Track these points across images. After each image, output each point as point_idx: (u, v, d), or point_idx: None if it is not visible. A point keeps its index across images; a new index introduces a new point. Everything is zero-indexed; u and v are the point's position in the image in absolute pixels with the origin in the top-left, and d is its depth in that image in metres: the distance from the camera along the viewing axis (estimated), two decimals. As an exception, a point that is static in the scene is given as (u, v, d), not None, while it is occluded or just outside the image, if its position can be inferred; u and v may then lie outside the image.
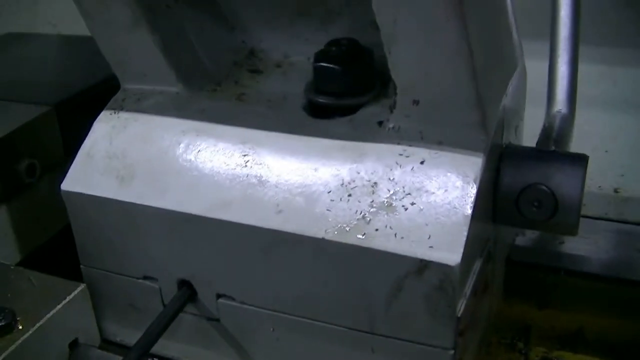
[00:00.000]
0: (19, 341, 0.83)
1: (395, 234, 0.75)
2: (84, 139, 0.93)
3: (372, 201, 0.77)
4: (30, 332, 0.84)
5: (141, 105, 0.93)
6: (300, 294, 0.82)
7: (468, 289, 0.79)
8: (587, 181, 0.83)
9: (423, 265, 0.74)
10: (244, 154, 0.84)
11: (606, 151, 1.34)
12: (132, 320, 0.94)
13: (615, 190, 1.32)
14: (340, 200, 0.78)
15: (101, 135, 0.91)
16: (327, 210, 0.78)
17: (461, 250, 0.73)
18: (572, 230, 0.86)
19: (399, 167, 0.78)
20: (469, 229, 0.74)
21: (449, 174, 0.77)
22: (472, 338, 0.88)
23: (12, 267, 0.97)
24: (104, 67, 1.05)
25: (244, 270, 0.84)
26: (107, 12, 0.88)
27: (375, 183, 0.78)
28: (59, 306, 0.88)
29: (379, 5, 0.71)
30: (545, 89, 1.02)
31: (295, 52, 0.98)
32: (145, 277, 0.91)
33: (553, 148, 0.89)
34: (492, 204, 0.86)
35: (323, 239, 0.77)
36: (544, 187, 0.84)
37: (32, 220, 1.10)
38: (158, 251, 0.88)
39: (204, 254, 0.85)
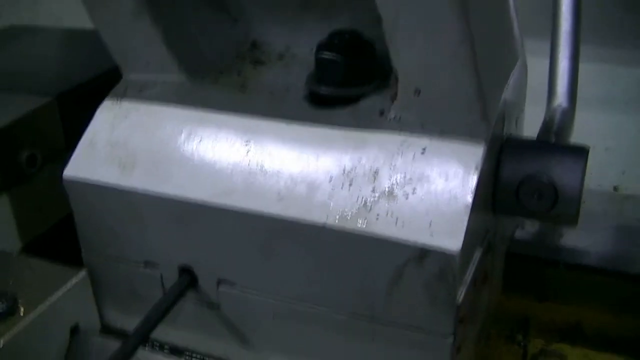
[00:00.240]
0: (21, 325, 0.84)
1: (396, 221, 0.75)
2: (86, 128, 0.93)
3: (374, 189, 0.78)
4: (31, 316, 0.85)
5: (143, 94, 0.93)
6: (301, 281, 0.82)
7: (468, 278, 0.79)
8: (586, 179, 0.84)
9: (423, 253, 0.74)
10: (245, 142, 0.84)
11: (606, 149, 1.34)
12: (133, 306, 0.94)
13: (615, 188, 1.32)
14: (342, 187, 0.79)
15: (103, 123, 0.92)
16: (329, 197, 0.78)
17: (462, 238, 0.74)
18: (572, 221, 0.86)
19: (400, 156, 0.79)
20: (470, 217, 0.74)
21: (450, 163, 0.77)
22: (471, 328, 0.88)
23: (13, 254, 0.97)
24: (105, 60, 1.05)
25: (245, 257, 0.84)
26: (110, 2, 0.88)
27: (376, 171, 0.78)
28: (60, 292, 0.89)
29: (380, -4, 0.72)
30: (545, 88, 1.02)
31: (297, 44, 0.98)
32: (146, 264, 0.91)
33: (554, 140, 0.89)
34: (492, 195, 0.86)
35: (324, 226, 0.77)
36: (544, 178, 0.84)
37: (32, 209, 1.10)
38: (159, 238, 0.88)
39: (205, 241, 0.85)
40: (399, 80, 0.80)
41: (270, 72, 0.96)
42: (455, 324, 0.77)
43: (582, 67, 1.01)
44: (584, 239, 1.11)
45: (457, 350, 0.81)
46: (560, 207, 0.85)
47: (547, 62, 1.03)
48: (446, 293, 0.76)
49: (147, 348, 0.94)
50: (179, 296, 0.88)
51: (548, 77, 1.01)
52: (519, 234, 1.13)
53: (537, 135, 0.94)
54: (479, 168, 0.76)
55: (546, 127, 0.94)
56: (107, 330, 0.99)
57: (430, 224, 0.75)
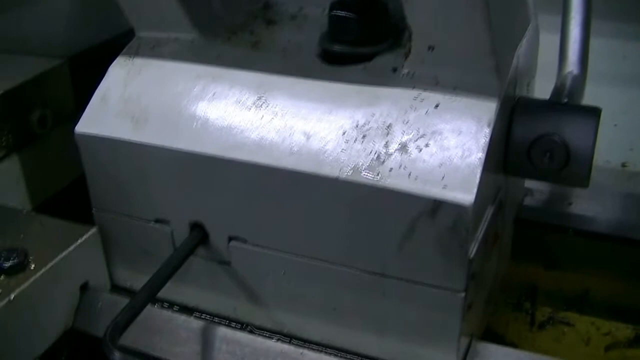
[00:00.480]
0: (32, 280, 0.84)
1: (409, 174, 0.76)
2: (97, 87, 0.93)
3: (387, 142, 0.78)
4: (42, 271, 0.85)
5: (156, 51, 0.93)
6: (312, 235, 0.82)
7: (480, 234, 0.79)
8: (595, 155, 0.84)
9: (436, 205, 0.74)
10: (258, 97, 0.84)
11: (615, 125, 1.34)
12: (143, 265, 0.94)
13: (623, 165, 1.32)
14: (355, 141, 0.79)
15: (116, 79, 0.92)
16: (342, 150, 0.78)
17: (474, 191, 0.74)
18: (583, 182, 0.86)
19: (413, 111, 0.79)
20: (483, 171, 0.75)
21: (463, 118, 0.78)
22: (481, 290, 0.88)
23: (24, 212, 0.98)
24: (117, 23, 1.06)
25: (257, 212, 0.84)
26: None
27: (389, 125, 0.78)
28: (71, 248, 0.89)
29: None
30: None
31: (309, 3, 0.98)
32: (157, 221, 0.91)
33: (565, 100, 0.89)
34: (504, 155, 0.86)
35: (337, 179, 0.77)
36: (556, 138, 0.84)
37: (43, 170, 1.11)
38: (171, 193, 0.88)
39: (216, 196, 0.85)
40: (412, 36, 0.80)
41: (283, 31, 0.96)
42: (467, 279, 0.77)
43: (593, 42, 1.00)
44: (593, 207, 1.11)
45: (468, 307, 0.80)
46: (571, 167, 0.85)
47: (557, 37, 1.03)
48: (458, 247, 0.76)
49: (156, 306, 0.94)
50: (189, 252, 0.88)
51: (559, 44, 1.00)
52: (527, 201, 1.13)
53: (549, 99, 0.93)
54: (492, 123, 0.77)
55: (557, 91, 0.94)
56: (116, 289, 0.99)
57: (443, 177, 0.75)
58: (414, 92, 0.80)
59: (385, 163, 0.76)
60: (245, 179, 0.82)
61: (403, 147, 0.77)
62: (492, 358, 0.84)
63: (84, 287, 0.92)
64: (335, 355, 0.86)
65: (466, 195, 0.73)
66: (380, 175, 0.76)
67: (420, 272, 0.79)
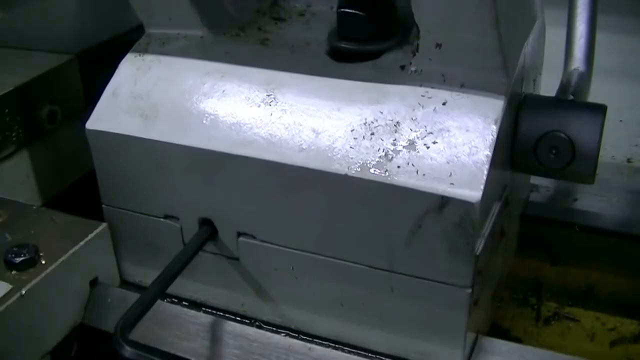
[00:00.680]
0: (42, 275, 0.85)
1: (417, 171, 0.76)
2: (107, 84, 0.94)
3: (395, 140, 0.78)
4: (52, 267, 0.86)
5: (166, 48, 0.94)
6: (321, 231, 0.83)
7: (486, 230, 0.80)
8: (600, 151, 0.84)
9: (444, 202, 0.75)
10: (267, 94, 0.85)
11: (621, 121, 1.34)
12: (152, 260, 0.95)
13: (629, 160, 1.32)
14: (363, 138, 0.79)
15: (126, 76, 0.92)
16: (350, 147, 0.79)
17: (481, 188, 0.74)
18: (589, 179, 0.87)
19: (421, 108, 0.80)
20: (490, 168, 0.75)
21: (470, 115, 0.78)
22: (488, 285, 0.89)
23: (34, 207, 0.98)
24: (125, 19, 1.06)
25: (266, 208, 0.85)
26: (133, -43, 0.89)
27: (397, 122, 0.79)
28: (81, 243, 0.90)
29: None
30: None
31: (317, 1, 0.99)
32: (167, 216, 0.92)
33: (571, 98, 0.90)
34: (511, 151, 0.87)
35: (346, 175, 0.78)
36: (562, 135, 0.85)
37: (52, 165, 1.12)
38: (180, 190, 0.89)
39: (226, 192, 0.86)
40: (420, 34, 0.80)
41: (291, 28, 0.97)
42: (473, 275, 0.78)
43: (600, 37, 1.01)
44: (598, 203, 1.12)
45: (474, 303, 0.81)
46: (577, 164, 0.86)
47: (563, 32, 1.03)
48: (465, 243, 0.76)
49: (165, 301, 0.95)
50: (198, 248, 0.89)
51: (565, 41, 1.01)
52: (533, 197, 1.14)
53: (555, 96, 0.94)
54: (499, 121, 0.77)
55: (563, 88, 0.95)
56: (125, 284, 1.00)
57: (450, 174, 0.76)
58: (421, 90, 0.81)
59: (393, 160, 0.77)
60: (255, 176, 0.83)
61: (411, 144, 0.77)
62: (497, 353, 0.84)
63: (94, 283, 0.93)
64: (342, 351, 0.87)
65: (473, 192, 0.74)
66: (388, 172, 0.77)
67: (427, 268, 0.80)
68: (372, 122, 0.80)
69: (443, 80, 0.80)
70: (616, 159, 1.33)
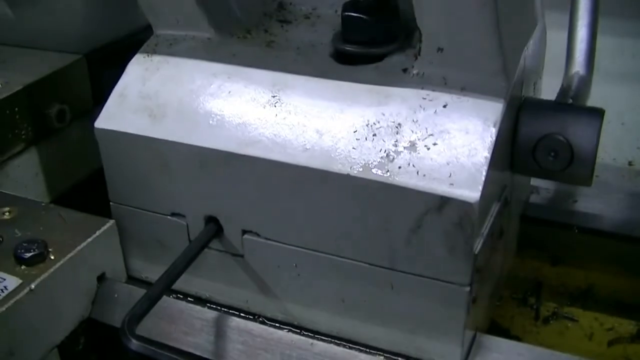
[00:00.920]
0: (51, 270, 0.87)
1: (418, 172, 0.78)
2: (115, 84, 0.96)
3: (396, 141, 0.80)
4: (61, 262, 0.88)
5: (173, 49, 0.95)
6: (323, 230, 0.85)
7: (485, 230, 0.82)
8: (602, 154, 0.86)
9: (443, 202, 0.77)
10: (272, 95, 0.87)
11: (622, 124, 1.35)
12: (158, 257, 0.97)
13: (630, 163, 1.34)
14: (366, 139, 0.81)
15: (134, 76, 0.94)
16: (353, 148, 0.81)
17: (480, 188, 0.76)
18: (586, 181, 0.89)
19: (422, 110, 0.81)
20: (488, 169, 0.77)
21: (470, 118, 0.80)
22: (487, 283, 0.91)
23: (43, 204, 1.00)
24: (134, 19, 1.08)
25: (270, 206, 0.87)
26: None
27: (399, 124, 0.81)
28: (89, 240, 0.92)
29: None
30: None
31: (323, 4, 1.01)
32: (173, 214, 0.94)
33: (570, 101, 0.92)
34: (510, 153, 0.89)
35: (348, 175, 0.80)
36: (560, 138, 0.86)
37: (60, 163, 1.14)
38: (187, 188, 0.91)
39: (231, 191, 0.88)
40: (422, 38, 0.82)
41: (297, 30, 0.99)
42: (472, 274, 0.80)
43: (602, 40, 1.02)
44: (598, 205, 1.13)
45: (473, 301, 0.83)
46: (575, 166, 0.87)
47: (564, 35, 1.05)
48: (464, 242, 0.78)
49: (171, 297, 0.97)
50: (204, 245, 0.91)
51: (567, 44, 1.02)
52: (534, 198, 1.16)
53: (555, 100, 0.95)
54: (498, 123, 0.79)
55: (563, 92, 0.96)
56: (132, 280, 1.02)
57: (450, 175, 0.77)
58: (423, 92, 0.83)
59: (394, 161, 0.79)
60: (259, 175, 0.85)
61: (412, 146, 0.79)
62: (496, 351, 0.86)
63: (101, 278, 0.95)
64: (344, 346, 0.89)
65: (472, 193, 0.76)
66: (389, 172, 0.79)
67: (427, 266, 0.81)
68: (374, 124, 0.81)
69: (444, 83, 0.82)
70: (617, 162, 1.34)
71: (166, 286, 0.85)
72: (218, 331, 0.90)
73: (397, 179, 0.78)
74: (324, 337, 0.91)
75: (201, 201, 0.90)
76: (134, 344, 0.76)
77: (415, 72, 0.84)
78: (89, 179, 1.17)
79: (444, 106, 0.81)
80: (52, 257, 0.88)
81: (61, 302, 0.89)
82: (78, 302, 0.92)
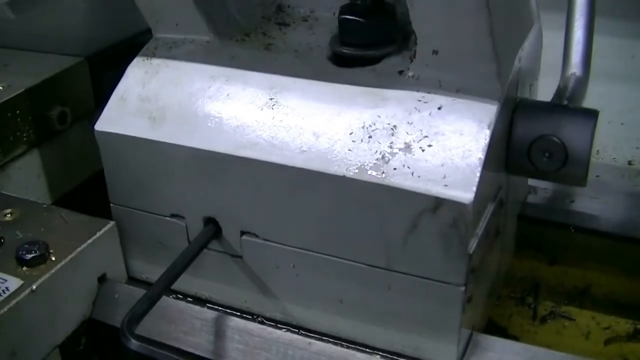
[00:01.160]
0: (52, 271, 0.88)
1: (413, 173, 0.79)
2: (115, 87, 0.97)
3: (392, 143, 0.81)
4: (62, 263, 0.89)
5: (173, 52, 0.97)
6: (321, 231, 0.86)
7: (480, 230, 0.83)
8: (602, 153, 0.86)
9: (438, 203, 0.78)
10: (270, 97, 0.88)
11: (622, 124, 1.36)
12: (158, 257, 0.98)
13: (629, 163, 1.34)
14: (361, 141, 0.82)
15: (134, 79, 0.95)
16: (349, 150, 0.82)
17: (474, 189, 0.77)
18: (581, 182, 0.90)
19: (417, 112, 0.82)
20: (482, 171, 0.78)
21: (464, 120, 0.81)
22: (483, 282, 0.92)
23: (44, 205, 1.01)
24: (134, 23, 1.09)
25: (268, 208, 0.88)
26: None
27: (394, 126, 0.82)
28: (90, 241, 0.93)
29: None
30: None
31: (320, 7, 1.02)
32: (173, 215, 0.95)
33: (565, 103, 0.92)
34: (505, 154, 0.90)
35: (344, 177, 0.81)
36: (555, 139, 0.87)
37: (62, 165, 1.15)
38: (186, 189, 0.92)
39: (230, 192, 0.89)
40: (417, 40, 0.83)
41: (295, 33, 1.00)
42: (467, 273, 0.81)
43: (601, 40, 1.03)
44: (596, 205, 1.14)
45: (468, 300, 0.84)
46: (569, 167, 0.88)
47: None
48: (459, 242, 0.79)
49: (171, 297, 0.98)
50: (203, 246, 0.92)
51: (563, 46, 1.03)
52: (531, 198, 1.16)
53: (550, 101, 0.96)
54: (492, 125, 0.80)
55: (559, 93, 0.97)
56: (132, 280, 1.03)
57: (444, 176, 0.78)
58: (418, 95, 0.84)
59: (389, 162, 0.80)
60: (258, 177, 0.86)
61: (407, 147, 0.80)
62: (491, 350, 0.87)
63: (102, 279, 0.96)
64: (341, 346, 0.90)
65: (466, 194, 0.77)
66: (384, 173, 0.80)
67: (423, 266, 0.82)
68: (370, 126, 0.82)
69: (439, 86, 0.83)
70: (617, 162, 1.34)
71: (165, 287, 0.86)
72: (217, 331, 0.90)
73: (392, 180, 0.79)
74: (321, 337, 0.92)
75: (200, 203, 0.91)
76: (134, 344, 0.77)
77: (410, 74, 0.85)
78: (89, 180, 1.18)
79: (439, 108, 0.82)
80: (54, 258, 0.89)
81: (62, 303, 0.90)
82: (79, 302, 0.93)
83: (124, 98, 0.94)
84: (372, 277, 0.86)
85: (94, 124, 0.95)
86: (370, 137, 0.82)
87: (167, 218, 0.95)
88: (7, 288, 0.84)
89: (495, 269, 0.98)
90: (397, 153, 0.80)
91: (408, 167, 0.79)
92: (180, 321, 0.92)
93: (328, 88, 0.87)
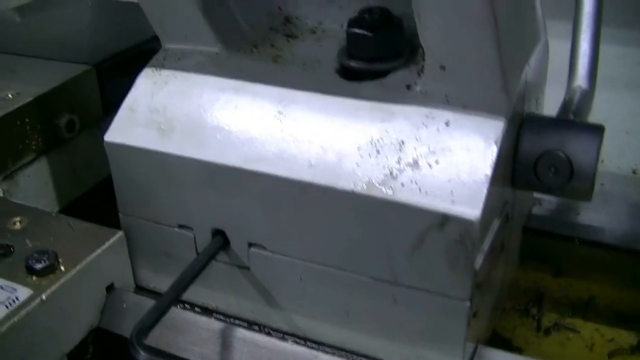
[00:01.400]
0: (62, 281, 0.88)
1: (420, 189, 0.80)
2: (124, 96, 0.97)
3: (399, 158, 0.82)
4: (71, 273, 0.89)
5: (182, 63, 0.97)
6: (328, 244, 0.87)
7: (486, 246, 0.83)
8: (606, 162, 0.87)
9: (445, 219, 0.78)
10: (278, 111, 0.89)
11: (627, 132, 1.36)
12: (166, 267, 0.98)
13: (634, 172, 1.34)
14: (369, 156, 0.83)
15: (143, 90, 0.96)
16: (357, 165, 0.82)
17: (481, 206, 0.78)
18: (587, 197, 0.90)
19: (425, 128, 0.83)
20: (489, 187, 0.78)
21: (471, 135, 0.81)
22: (488, 296, 0.92)
23: (53, 214, 1.02)
24: (142, 30, 1.10)
25: (276, 220, 0.88)
26: (150, -25, 0.93)
27: (402, 141, 0.82)
28: (98, 250, 0.93)
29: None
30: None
31: (329, 19, 1.02)
32: (181, 226, 0.96)
33: (571, 117, 0.93)
34: (512, 169, 0.90)
35: (352, 192, 0.81)
36: (561, 154, 0.88)
37: (70, 173, 1.16)
38: (194, 201, 0.92)
39: (238, 205, 0.89)
40: (425, 55, 0.83)
41: (303, 45, 1.00)
42: (472, 289, 0.81)
43: (606, 48, 1.03)
44: (600, 217, 1.14)
45: (473, 315, 0.84)
46: (575, 182, 0.88)
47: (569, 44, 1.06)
48: (465, 258, 0.80)
49: (179, 307, 0.98)
50: (211, 257, 0.92)
51: (569, 58, 1.04)
52: (536, 210, 1.17)
53: (557, 115, 0.97)
54: (499, 141, 0.80)
55: (565, 106, 0.97)
56: (140, 290, 1.03)
57: (451, 193, 0.79)
58: (425, 110, 0.84)
59: (397, 178, 0.80)
60: (265, 190, 0.87)
61: (414, 163, 0.81)
62: (496, 363, 0.87)
63: (110, 288, 0.96)
64: (348, 357, 0.91)
65: (473, 211, 0.77)
66: (392, 189, 0.80)
67: (429, 281, 0.83)
68: (378, 141, 0.83)
69: (446, 101, 0.84)
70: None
71: (174, 297, 0.87)
72: (224, 342, 0.91)
73: (399, 196, 0.80)
74: (328, 349, 0.93)
75: (208, 214, 0.92)
76: (143, 356, 0.78)
77: (418, 89, 0.86)
78: (97, 187, 1.19)
79: (446, 124, 0.82)
80: (63, 268, 0.90)
81: (71, 312, 0.91)
82: (87, 311, 0.94)
83: (133, 109, 0.94)
84: (378, 291, 0.86)
85: (103, 132, 0.95)
86: (378, 152, 0.82)
87: (175, 229, 0.96)
88: (17, 298, 0.84)
89: (500, 282, 0.99)
90: (404, 169, 0.81)
91: (415, 182, 0.80)
92: (188, 332, 0.93)
93: (336, 102, 0.87)
